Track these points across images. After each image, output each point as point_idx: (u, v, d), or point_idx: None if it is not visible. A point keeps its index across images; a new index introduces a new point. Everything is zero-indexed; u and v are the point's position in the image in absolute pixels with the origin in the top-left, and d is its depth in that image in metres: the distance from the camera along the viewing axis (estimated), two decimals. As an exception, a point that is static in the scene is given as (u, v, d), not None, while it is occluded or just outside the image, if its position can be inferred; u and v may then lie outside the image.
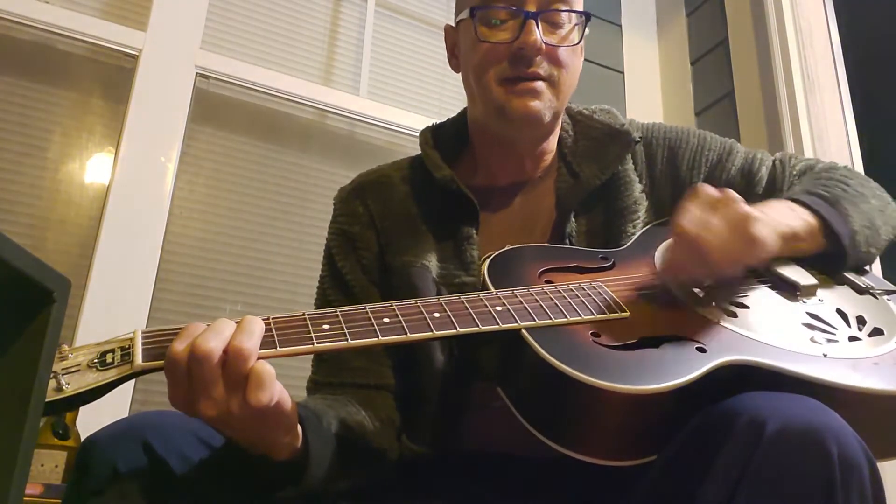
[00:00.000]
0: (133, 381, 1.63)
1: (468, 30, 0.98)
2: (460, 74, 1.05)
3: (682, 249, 0.80)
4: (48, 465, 1.30)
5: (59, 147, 1.77)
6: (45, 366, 0.48)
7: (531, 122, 0.95)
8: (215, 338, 0.63)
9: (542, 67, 0.93)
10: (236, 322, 0.65)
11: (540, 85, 0.93)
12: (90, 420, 1.29)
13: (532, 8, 0.93)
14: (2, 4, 1.72)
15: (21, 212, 1.70)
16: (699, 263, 0.78)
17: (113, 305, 1.63)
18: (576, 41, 0.97)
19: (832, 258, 0.90)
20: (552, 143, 1.04)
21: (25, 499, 1.07)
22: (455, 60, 1.06)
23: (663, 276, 0.85)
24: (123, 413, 1.57)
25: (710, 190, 0.81)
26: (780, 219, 0.84)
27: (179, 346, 0.63)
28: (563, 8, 0.96)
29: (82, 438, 1.31)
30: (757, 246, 0.77)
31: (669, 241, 0.95)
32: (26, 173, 1.72)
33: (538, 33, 0.92)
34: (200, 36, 1.97)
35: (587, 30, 0.99)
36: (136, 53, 1.86)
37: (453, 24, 1.06)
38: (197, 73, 1.93)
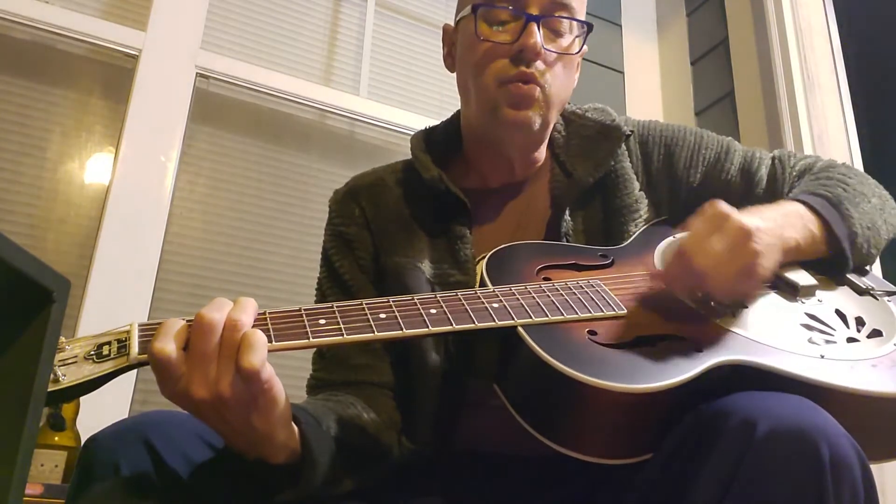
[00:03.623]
0: (134, 381, 1.63)
1: (468, 28, 0.97)
2: (455, 74, 1.05)
3: (680, 269, 0.79)
4: (48, 465, 1.31)
5: (58, 147, 1.78)
6: (45, 366, 0.48)
7: (521, 128, 0.95)
8: (218, 310, 0.65)
9: (539, 71, 0.93)
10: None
11: (534, 90, 0.93)
12: (91, 420, 1.29)
13: (534, 11, 0.93)
14: (2, 4, 1.72)
15: (21, 212, 1.70)
16: (693, 287, 0.79)
17: (113, 305, 1.63)
18: (575, 51, 0.97)
19: (835, 262, 0.90)
20: (542, 149, 1.04)
21: (25, 499, 1.07)
22: (451, 60, 1.06)
23: (657, 280, 0.84)
24: (124, 412, 1.58)
25: (722, 208, 0.78)
26: (785, 234, 0.83)
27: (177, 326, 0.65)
28: (566, 15, 0.95)
29: (83, 438, 1.32)
30: (755, 283, 0.78)
31: (668, 239, 0.95)
32: (26, 173, 1.72)
33: (538, 37, 0.92)
34: (200, 36, 1.97)
35: (585, 46, 0.98)
36: (136, 53, 1.86)
37: (453, 24, 1.06)
38: (197, 73, 1.93)
